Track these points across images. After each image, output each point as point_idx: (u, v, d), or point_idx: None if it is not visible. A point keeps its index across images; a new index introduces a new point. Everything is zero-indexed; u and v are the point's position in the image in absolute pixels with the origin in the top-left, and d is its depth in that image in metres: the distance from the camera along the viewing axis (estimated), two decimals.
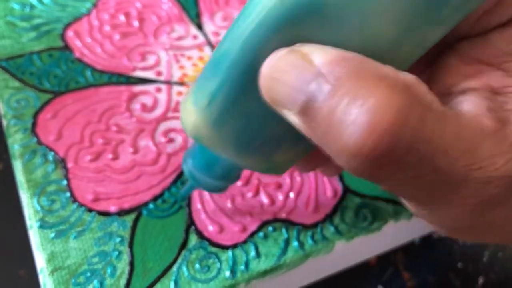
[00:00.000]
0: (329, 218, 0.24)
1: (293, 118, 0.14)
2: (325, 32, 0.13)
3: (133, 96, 0.27)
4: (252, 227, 0.23)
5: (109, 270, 0.21)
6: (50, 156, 0.24)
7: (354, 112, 0.12)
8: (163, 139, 0.25)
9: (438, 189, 0.13)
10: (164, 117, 0.26)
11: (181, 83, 0.28)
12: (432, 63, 0.17)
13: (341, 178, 0.25)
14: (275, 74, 0.14)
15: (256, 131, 0.16)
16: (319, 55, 0.13)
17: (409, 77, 0.13)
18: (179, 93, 0.27)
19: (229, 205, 0.24)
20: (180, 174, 0.24)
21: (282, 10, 0.13)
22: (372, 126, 0.12)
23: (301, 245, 0.23)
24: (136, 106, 0.26)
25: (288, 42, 0.14)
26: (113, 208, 0.23)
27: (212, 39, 0.30)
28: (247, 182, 0.24)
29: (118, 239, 0.22)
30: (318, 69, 0.13)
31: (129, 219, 0.23)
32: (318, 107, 0.13)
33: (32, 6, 0.29)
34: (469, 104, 0.14)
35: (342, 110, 0.12)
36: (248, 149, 0.17)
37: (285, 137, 0.17)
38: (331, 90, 0.12)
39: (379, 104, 0.12)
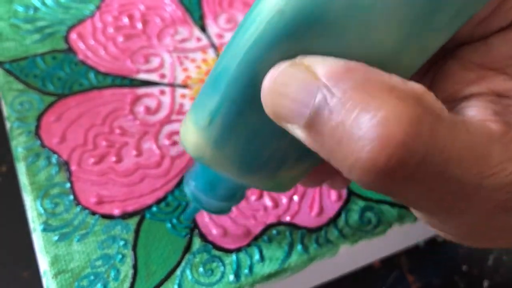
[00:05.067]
0: (333, 221, 0.24)
1: (298, 132, 0.13)
2: (327, 43, 0.13)
3: (136, 99, 0.27)
4: (256, 230, 0.23)
5: (112, 274, 0.21)
6: (54, 159, 0.24)
7: (364, 126, 0.12)
8: (166, 142, 0.25)
9: (450, 198, 0.13)
10: (167, 120, 0.26)
11: (184, 86, 0.28)
12: (433, 68, 0.17)
13: None
14: (278, 88, 0.13)
15: (260, 149, 0.16)
16: (323, 67, 0.13)
17: (417, 87, 0.12)
18: (183, 96, 0.27)
19: (233, 208, 0.24)
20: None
21: (282, 23, 0.13)
22: (385, 139, 0.11)
23: (306, 248, 0.23)
24: (140, 108, 0.26)
25: (289, 55, 0.13)
26: (116, 211, 0.23)
27: (216, 41, 0.30)
28: None
29: (121, 242, 0.22)
30: (322, 82, 0.12)
31: (133, 222, 0.23)
32: (325, 121, 0.12)
33: (35, 9, 0.29)
34: (474, 110, 0.14)
35: (351, 124, 0.12)
36: (253, 167, 0.17)
37: (290, 153, 0.16)
38: (339, 104, 0.12)
39: (390, 116, 0.12)
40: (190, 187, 0.20)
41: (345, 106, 0.12)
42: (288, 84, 0.13)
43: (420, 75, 0.18)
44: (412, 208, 0.15)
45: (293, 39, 0.13)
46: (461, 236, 0.15)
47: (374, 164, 0.12)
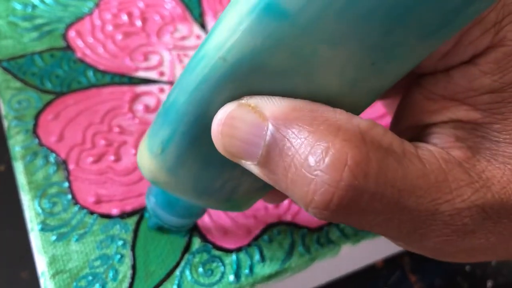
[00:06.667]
0: None
1: (252, 168, 0.14)
2: (271, 85, 0.13)
3: (135, 97, 0.26)
4: (257, 230, 0.23)
5: (111, 274, 0.21)
6: (52, 158, 0.24)
7: (314, 169, 0.12)
8: None
9: (408, 225, 0.13)
10: None
11: None
12: (399, 95, 0.17)
13: None
14: (227, 131, 0.13)
15: (213, 175, 0.16)
16: (269, 108, 0.13)
17: (363, 123, 0.13)
18: None
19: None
20: None
21: (224, 69, 0.13)
22: (335, 183, 0.12)
23: (307, 248, 0.22)
24: (139, 107, 0.26)
25: (235, 95, 0.14)
26: (115, 211, 0.22)
27: None
28: None
29: (120, 242, 0.22)
30: (270, 123, 0.13)
31: (131, 221, 0.22)
32: (277, 161, 0.13)
33: (34, 6, 0.29)
34: (437, 137, 0.15)
35: (302, 166, 0.12)
36: (207, 192, 0.17)
37: (244, 179, 0.16)
38: (288, 145, 0.12)
39: (337, 160, 0.12)
40: (150, 203, 0.20)
41: (294, 148, 0.12)
42: (237, 126, 0.13)
43: (388, 100, 0.18)
44: None
45: (237, 82, 0.13)
46: (433, 255, 0.15)
47: (327, 205, 0.12)
